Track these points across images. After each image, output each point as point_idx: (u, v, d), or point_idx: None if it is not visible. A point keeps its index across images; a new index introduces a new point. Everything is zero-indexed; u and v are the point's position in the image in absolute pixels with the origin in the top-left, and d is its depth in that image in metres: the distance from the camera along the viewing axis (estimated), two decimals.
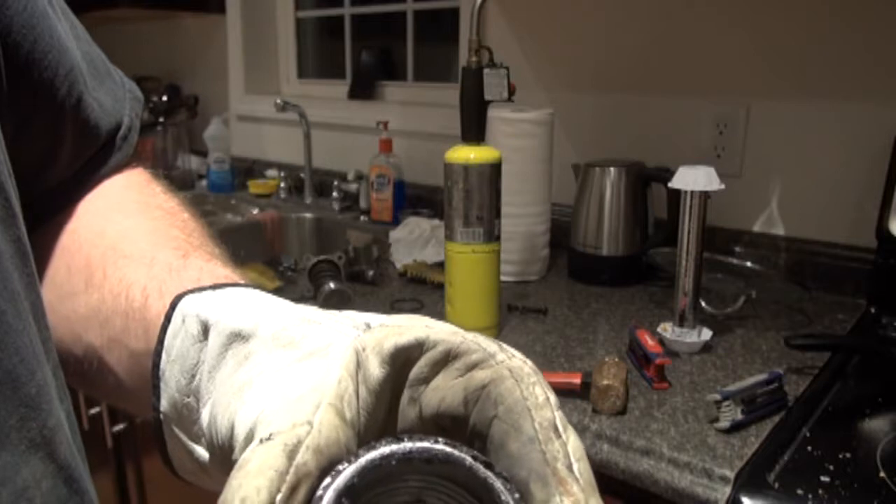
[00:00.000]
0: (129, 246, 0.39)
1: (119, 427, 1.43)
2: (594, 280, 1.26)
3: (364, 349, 0.26)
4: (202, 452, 0.31)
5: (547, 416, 0.24)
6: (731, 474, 0.69)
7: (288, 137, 2.06)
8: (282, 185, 1.99)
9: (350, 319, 0.29)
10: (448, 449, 0.24)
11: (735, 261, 1.22)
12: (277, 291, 1.26)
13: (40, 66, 0.36)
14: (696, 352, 0.96)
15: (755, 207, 1.27)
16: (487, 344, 0.26)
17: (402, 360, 0.26)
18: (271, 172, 2.08)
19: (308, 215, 1.85)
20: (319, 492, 0.23)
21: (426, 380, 0.26)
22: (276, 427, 0.24)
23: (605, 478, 0.76)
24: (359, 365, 0.26)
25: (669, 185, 0.98)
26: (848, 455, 0.70)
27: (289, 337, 0.28)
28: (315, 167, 1.93)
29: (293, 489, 0.23)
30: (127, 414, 1.44)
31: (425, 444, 0.24)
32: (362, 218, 1.77)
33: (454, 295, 1.01)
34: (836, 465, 0.69)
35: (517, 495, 0.23)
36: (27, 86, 0.36)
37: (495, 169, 0.97)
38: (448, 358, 0.26)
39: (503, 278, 1.07)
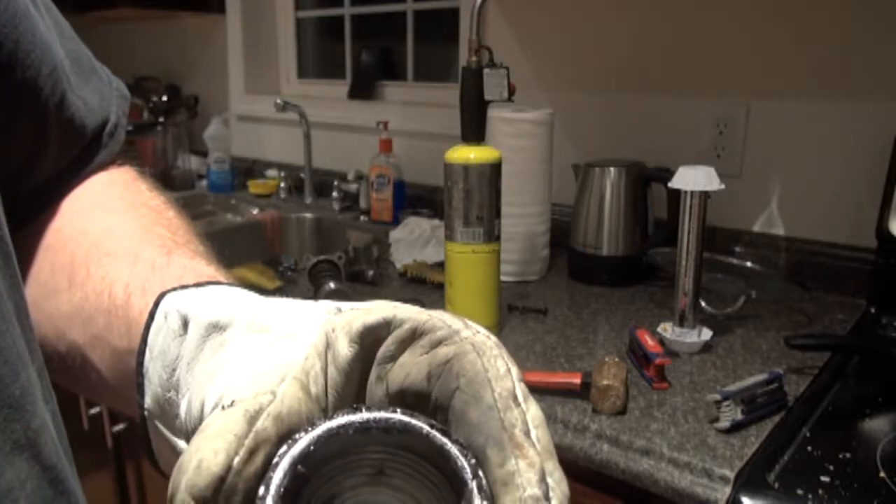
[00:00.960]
0: (112, 243, 0.39)
1: (119, 427, 1.43)
2: (594, 280, 1.26)
3: (334, 330, 0.27)
4: (185, 447, 0.30)
5: (507, 386, 0.24)
6: (731, 474, 0.69)
7: (288, 137, 2.06)
8: (282, 185, 1.99)
9: (323, 305, 0.29)
10: (405, 418, 0.24)
11: (735, 261, 1.22)
12: (277, 291, 1.26)
13: (23, 65, 0.36)
14: (696, 352, 0.96)
15: (755, 207, 1.27)
16: (453, 321, 0.27)
17: (370, 339, 0.27)
18: (271, 172, 2.08)
19: (308, 215, 1.85)
20: (276, 459, 0.23)
21: (393, 357, 0.26)
22: (239, 396, 0.24)
23: (605, 478, 0.76)
24: (328, 345, 0.26)
25: (669, 185, 0.98)
26: (848, 455, 0.70)
27: (262, 323, 0.28)
28: (315, 167, 1.93)
29: (251, 453, 0.23)
30: (127, 414, 1.44)
31: (383, 414, 0.24)
32: (362, 218, 1.77)
33: (454, 295, 1.01)
34: (836, 465, 0.69)
35: (473, 460, 0.23)
36: (10, 85, 0.36)
37: (495, 169, 0.97)
38: (414, 335, 0.26)
39: (503, 278, 1.07)
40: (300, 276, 1.28)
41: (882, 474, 0.67)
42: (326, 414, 0.25)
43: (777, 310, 1.12)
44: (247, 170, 2.17)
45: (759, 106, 1.25)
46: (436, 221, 1.46)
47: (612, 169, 1.23)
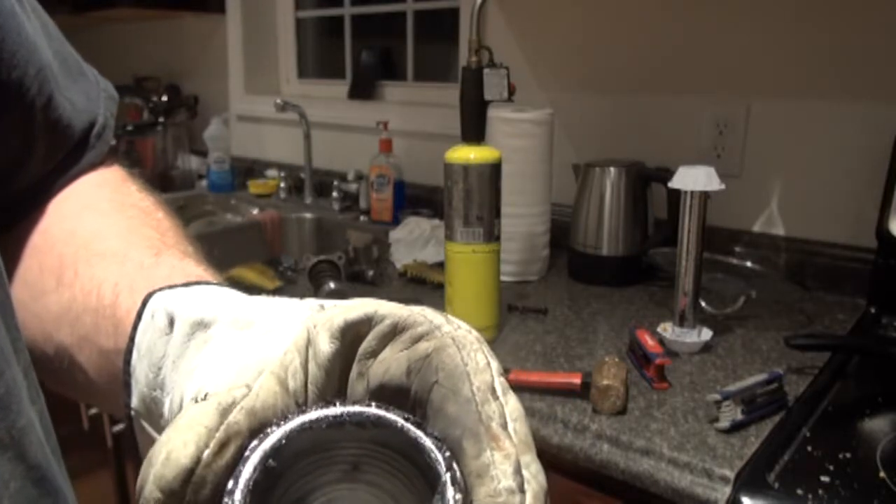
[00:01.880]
0: (101, 244, 0.39)
1: (119, 427, 1.43)
2: (594, 280, 1.26)
3: (315, 326, 0.26)
4: None
5: (485, 380, 0.24)
6: (731, 474, 0.69)
7: (288, 137, 2.06)
8: (282, 185, 1.99)
9: (307, 303, 0.29)
10: (379, 412, 0.24)
11: (735, 261, 1.22)
12: (277, 291, 1.26)
13: (9, 64, 0.36)
14: (696, 352, 0.96)
15: (755, 207, 1.27)
16: (434, 316, 0.26)
17: (351, 335, 0.26)
18: (271, 172, 2.08)
19: (308, 215, 1.85)
20: (247, 453, 0.23)
21: (374, 353, 0.26)
22: (214, 389, 0.24)
23: (605, 478, 0.76)
24: (310, 341, 0.26)
25: (669, 185, 0.98)
26: (848, 455, 0.70)
27: (246, 319, 0.28)
28: (315, 167, 1.93)
29: (222, 446, 0.23)
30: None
31: (356, 408, 0.24)
32: (362, 218, 1.77)
33: (454, 295, 1.01)
34: (836, 465, 0.69)
35: (447, 453, 0.23)
36: None
37: (495, 169, 0.97)
38: (395, 331, 0.26)
39: (503, 278, 1.07)
40: (300, 276, 1.28)
41: (882, 474, 0.67)
42: (303, 410, 0.25)
43: (777, 310, 1.12)
44: (247, 170, 2.17)
45: (759, 106, 1.25)
46: (436, 221, 1.46)
47: (612, 169, 1.23)
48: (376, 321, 0.26)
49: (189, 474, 0.23)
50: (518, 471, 0.23)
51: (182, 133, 2.25)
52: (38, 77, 0.38)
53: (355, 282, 1.26)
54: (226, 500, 0.22)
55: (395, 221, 1.60)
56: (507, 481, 0.22)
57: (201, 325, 0.29)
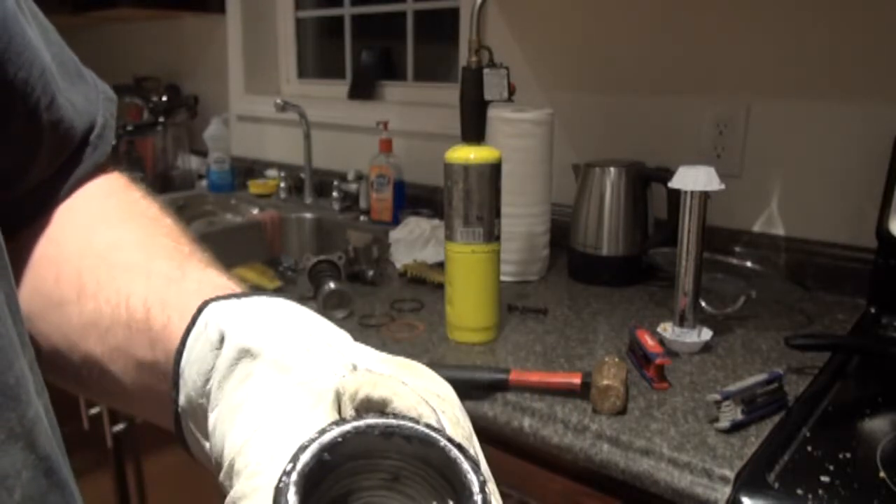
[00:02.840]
0: (120, 256, 0.40)
1: (119, 427, 1.43)
2: (594, 280, 1.26)
3: (344, 393, 0.28)
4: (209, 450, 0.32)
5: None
6: (731, 474, 0.69)
7: (288, 137, 2.06)
8: (282, 185, 1.99)
9: (341, 358, 0.31)
10: (427, 430, 0.26)
11: (735, 261, 1.22)
12: (277, 291, 1.26)
13: (15, 65, 0.36)
14: (696, 352, 0.96)
15: (755, 207, 1.27)
16: (457, 415, 0.28)
17: (372, 409, 0.28)
18: (271, 172, 2.08)
19: (308, 215, 1.85)
20: (306, 442, 0.24)
21: None
22: (255, 470, 0.26)
23: (605, 478, 0.76)
24: (339, 406, 0.28)
25: (669, 185, 0.98)
26: (848, 455, 0.70)
27: (285, 364, 0.30)
28: (315, 167, 1.93)
29: None
30: (127, 414, 1.44)
31: (407, 423, 0.26)
32: (362, 218, 1.77)
33: (454, 295, 1.01)
34: (836, 465, 0.69)
35: (482, 478, 0.25)
36: (3, 86, 0.36)
37: (495, 169, 0.97)
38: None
39: (503, 278, 1.07)
40: (300, 276, 1.28)
41: (882, 474, 0.67)
42: (359, 416, 0.27)
43: (777, 310, 1.12)
44: (247, 170, 2.17)
45: (759, 106, 1.25)
46: (436, 221, 1.46)
47: (612, 169, 1.23)
48: (391, 409, 0.28)
49: None
50: None
51: (182, 133, 2.25)
52: (41, 78, 0.39)
53: (355, 282, 1.26)
54: (283, 478, 0.23)
55: (395, 221, 1.60)
56: None
57: (248, 354, 0.31)
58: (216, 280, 0.38)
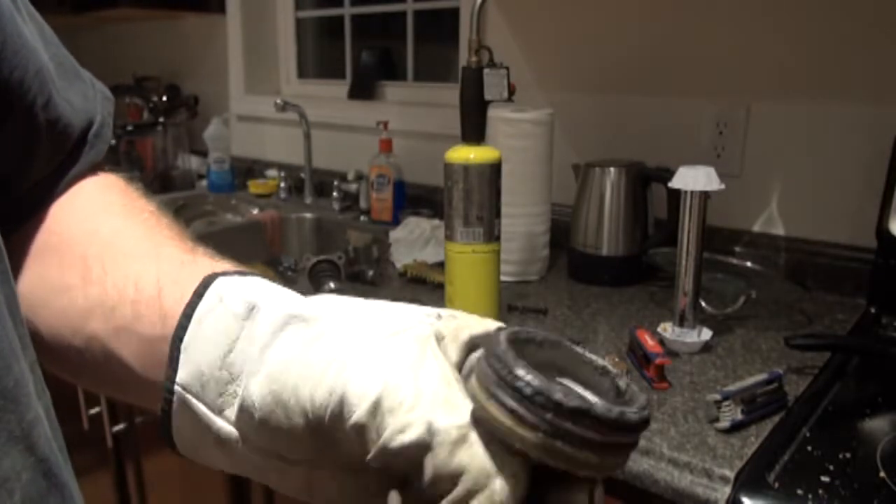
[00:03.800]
0: (126, 244, 0.40)
1: (119, 427, 1.43)
2: (594, 280, 1.26)
3: (443, 337, 0.30)
4: (223, 425, 0.32)
5: None
6: (731, 474, 0.69)
7: (288, 137, 2.06)
8: (282, 185, 1.99)
9: (421, 309, 0.33)
10: (568, 342, 0.30)
11: (735, 261, 1.22)
12: None
13: (11, 64, 0.36)
14: (696, 352, 0.96)
15: (755, 207, 1.27)
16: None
17: (470, 350, 0.30)
18: (271, 172, 2.08)
19: (308, 215, 1.85)
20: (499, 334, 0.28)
21: None
22: (411, 402, 0.28)
23: (605, 478, 0.76)
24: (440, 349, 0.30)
25: (669, 185, 0.98)
26: (848, 455, 0.70)
27: (364, 321, 0.31)
28: (315, 167, 1.93)
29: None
30: (127, 414, 1.44)
31: (555, 337, 0.30)
32: (362, 218, 1.77)
33: (454, 295, 1.01)
34: (836, 465, 0.69)
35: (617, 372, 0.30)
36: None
37: (495, 169, 0.97)
38: None
39: (503, 278, 1.07)
40: (300, 276, 1.28)
41: (882, 474, 0.67)
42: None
43: (777, 310, 1.12)
44: (247, 170, 2.17)
45: (759, 106, 1.25)
46: (436, 221, 1.46)
47: (612, 169, 1.23)
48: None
49: None
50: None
51: (182, 133, 2.25)
52: (37, 77, 0.39)
53: (355, 282, 1.26)
54: (496, 334, 0.28)
55: (395, 221, 1.60)
56: None
57: (299, 319, 0.31)
58: (229, 266, 0.38)
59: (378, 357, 0.29)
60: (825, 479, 0.66)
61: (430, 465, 0.27)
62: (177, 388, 0.33)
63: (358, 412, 0.28)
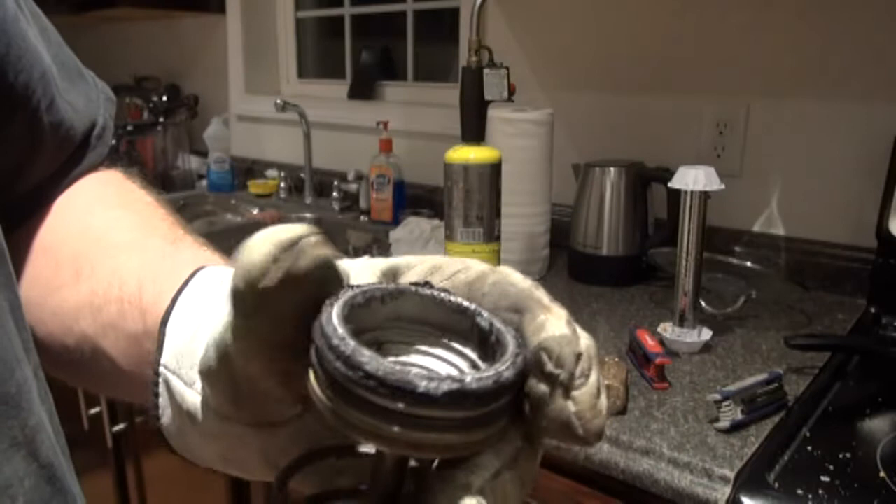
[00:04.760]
0: (116, 236, 0.40)
1: (119, 427, 1.43)
2: (594, 280, 1.26)
3: (363, 268, 0.30)
4: (191, 395, 0.31)
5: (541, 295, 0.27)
6: (731, 474, 0.69)
7: (288, 137, 2.06)
8: (282, 185, 1.99)
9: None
10: (463, 301, 0.26)
11: (735, 261, 1.22)
12: None
13: (16, 68, 0.37)
14: (696, 352, 0.96)
15: (755, 207, 1.27)
16: (474, 262, 0.29)
17: (392, 273, 0.29)
18: (271, 172, 2.08)
19: (308, 215, 1.85)
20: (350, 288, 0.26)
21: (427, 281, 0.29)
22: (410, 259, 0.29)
23: (605, 478, 0.76)
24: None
25: (669, 185, 0.98)
26: (848, 455, 0.70)
27: None
28: (315, 167, 1.93)
29: (322, 238, 0.26)
30: (127, 414, 1.44)
31: (445, 294, 0.27)
32: (362, 218, 1.77)
33: None
34: (836, 465, 0.69)
35: (519, 340, 0.25)
36: (3, 89, 0.36)
37: (495, 169, 0.97)
38: (434, 272, 0.29)
39: None
40: None
41: (882, 474, 0.67)
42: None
43: (777, 310, 1.12)
44: (247, 170, 2.17)
45: (759, 106, 1.25)
46: (436, 221, 1.46)
47: (612, 169, 1.23)
48: (416, 263, 0.29)
49: (297, 239, 0.25)
50: (571, 324, 0.26)
51: (182, 133, 2.25)
52: (41, 80, 0.39)
53: None
54: (337, 296, 0.25)
55: (395, 221, 1.60)
56: (563, 331, 0.25)
57: None
58: (210, 256, 0.38)
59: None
60: (825, 479, 0.66)
61: None
62: (161, 369, 0.32)
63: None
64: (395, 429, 0.22)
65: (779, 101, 1.22)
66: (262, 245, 0.24)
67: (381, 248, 1.35)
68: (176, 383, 0.32)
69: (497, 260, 1.01)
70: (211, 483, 1.27)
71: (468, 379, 0.22)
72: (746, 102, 1.25)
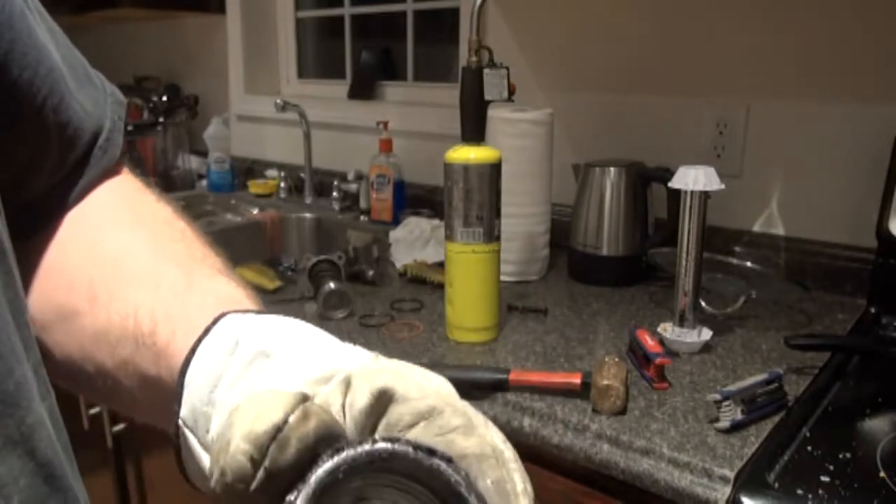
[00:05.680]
0: (131, 263, 0.40)
1: (119, 427, 1.43)
2: (594, 280, 1.26)
3: (359, 375, 0.29)
4: (206, 462, 0.32)
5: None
6: (731, 474, 0.69)
7: (288, 137, 2.06)
8: (282, 185, 1.99)
9: (361, 350, 0.32)
10: (415, 452, 0.26)
11: (735, 261, 1.22)
12: (277, 291, 1.26)
13: (20, 65, 0.36)
14: (696, 352, 0.96)
15: (755, 207, 1.27)
16: (474, 414, 0.29)
17: (386, 398, 0.29)
18: (271, 172, 2.08)
19: (308, 215, 1.85)
20: (327, 457, 0.25)
21: (408, 426, 0.28)
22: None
23: (605, 478, 0.76)
24: (349, 386, 0.29)
25: (669, 185, 0.98)
26: (848, 455, 0.70)
27: (303, 353, 0.31)
28: (315, 167, 1.93)
29: (305, 416, 0.26)
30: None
31: (397, 448, 0.26)
32: (362, 218, 1.77)
33: (454, 295, 1.01)
34: (836, 465, 0.69)
35: (464, 473, 0.25)
36: (6, 85, 0.36)
37: (495, 169, 0.97)
38: (432, 413, 0.28)
39: (503, 278, 1.07)
40: (300, 276, 1.28)
41: (882, 474, 0.67)
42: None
43: (777, 310, 1.12)
44: (247, 170, 2.17)
45: (759, 106, 1.25)
46: (436, 221, 1.46)
47: (612, 169, 1.23)
48: (413, 397, 0.28)
49: (277, 431, 0.25)
50: None
51: (182, 133, 2.25)
52: (48, 78, 0.38)
53: (355, 282, 1.26)
54: (308, 479, 0.25)
55: (395, 221, 1.60)
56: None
57: (263, 355, 0.31)
58: (223, 290, 0.38)
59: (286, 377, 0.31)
60: (825, 479, 0.66)
61: None
62: (179, 422, 0.33)
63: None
64: None
65: (779, 101, 1.22)
66: (237, 443, 0.25)
67: (381, 248, 1.35)
68: (193, 442, 0.32)
69: (497, 260, 1.01)
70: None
71: None
72: (746, 102, 1.25)
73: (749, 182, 1.27)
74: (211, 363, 0.32)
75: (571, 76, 1.47)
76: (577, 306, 1.15)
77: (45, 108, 0.38)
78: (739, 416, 0.76)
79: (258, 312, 0.35)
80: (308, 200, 1.92)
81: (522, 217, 1.25)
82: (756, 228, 1.27)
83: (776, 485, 0.66)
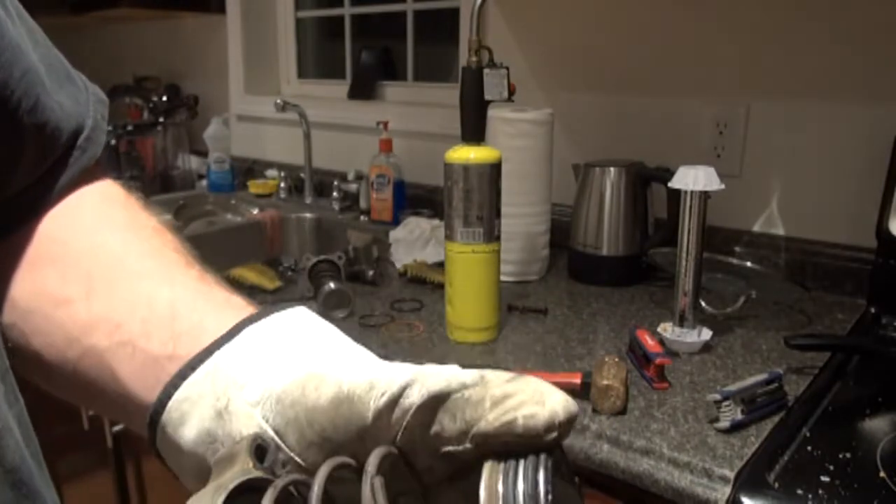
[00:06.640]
0: (134, 262, 0.40)
1: (119, 427, 1.43)
2: (594, 280, 1.26)
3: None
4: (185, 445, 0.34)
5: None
6: (731, 474, 0.69)
7: (288, 137, 2.06)
8: (282, 185, 1.99)
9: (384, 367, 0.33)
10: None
11: (735, 261, 1.22)
12: (277, 291, 1.26)
13: None
14: (696, 352, 0.96)
15: (755, 207, 1.27)
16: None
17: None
18: (271, 172, 2.08)
19: (308, 215, 1.85)
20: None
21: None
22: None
23: (605, 478, 0.76)
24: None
25: (669, 185, 0.98)
26: (848, 455, 0.70)
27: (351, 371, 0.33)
28: (315, 167, 1.93)
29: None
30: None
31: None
32: (362, 218, 1.77)
33: (454, 295, 1.01)
34: (836, 465, 0.69)
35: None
36: None
37: (495, 169, 0.97)
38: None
39: (503, 278, 1.07)
40: (300, 276, 1.28)
41: (882, 474, 0.67)
42: None
43: (777, 310, 1.12)
44: (247, 170, 2.17)
45: (759, 106, 1.25)
46: (436, 221, 1.46)
47: (612, 169, 1.23)
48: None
49: None
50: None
51: (182, 133, 2.25)
52: (23, 80, 0.37)
53: (355, 282, 1.26)
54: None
55: (395, 221, 1.60)
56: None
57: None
58: (233, 299, 0.40)
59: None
60: (825, 479, 0.66)
61: None
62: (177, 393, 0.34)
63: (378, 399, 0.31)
64: None
65: (779, 101, 1.22)
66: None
67: (381, 248, 1.35)
68: (176, 426, 0.34)
69: (497, 260, 1.01)
70: None
71: None
72: (746, 102, 1.25)
73: (749, 182, 1.27)
74: (242, 370, 0.33)
75: (571, 76, 1.47)
76: (577, 306, 1.15)
77: (19, 109, 0.38)
78: (739, 416, 0.76)
79: (271, 311, 0.37)
80: (308, 200, 1.92)
81: (522, 217, 1.25)
82: (756, 228, 1.27)
83: (776, 485, 0.66)
